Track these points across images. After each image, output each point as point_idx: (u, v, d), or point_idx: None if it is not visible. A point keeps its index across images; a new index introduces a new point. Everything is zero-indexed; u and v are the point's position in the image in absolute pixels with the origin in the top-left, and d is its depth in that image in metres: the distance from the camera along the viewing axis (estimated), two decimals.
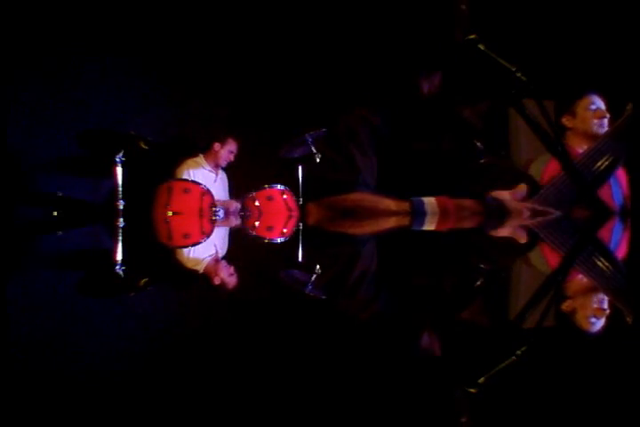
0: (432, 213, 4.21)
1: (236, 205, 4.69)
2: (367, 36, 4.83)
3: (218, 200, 4.46)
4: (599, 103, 4.33)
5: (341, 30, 4.87)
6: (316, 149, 4.64)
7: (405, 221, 3.92)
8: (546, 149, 4.30)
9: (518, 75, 4.08)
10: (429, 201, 4.25)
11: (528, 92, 4.20)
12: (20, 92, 4.58)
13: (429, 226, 3.70)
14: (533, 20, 4.35)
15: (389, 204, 4.34)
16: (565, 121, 4.38)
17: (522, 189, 4.23)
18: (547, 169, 4.37)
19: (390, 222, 3.85)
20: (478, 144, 4.44)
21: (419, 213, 4.22)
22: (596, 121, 4.29)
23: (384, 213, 4.30)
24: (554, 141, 4.22)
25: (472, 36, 4.06)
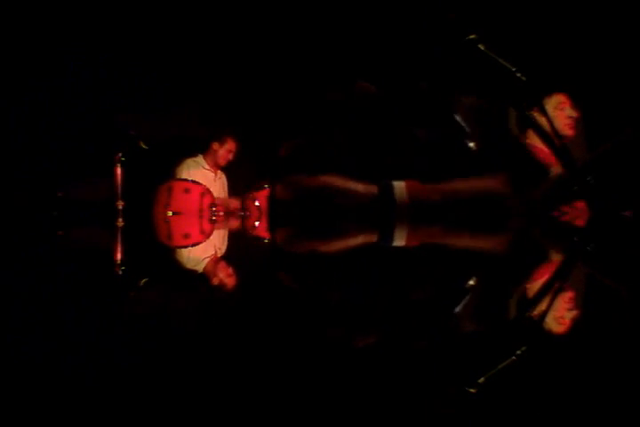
0: (400, 210, 4.10)
1: (235, 204, 4.68)
2: (366, 37, 4.83)
3: (217, 198, 4.46)
4: (569, 103, 4.22)
5: (341, 31, 4.87)
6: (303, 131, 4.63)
7: (373, 238, 3.88)
8: (548, 149, 4.28)
9: (518, 75, 4.07)
10: (398, 185, 4.16)
11: (528, 92, 4.19)
12: (20, 92, 4.58)
13: (399, 241, 3.56)
14: (533, 20, 4.35)
15: (357, 186, 4.28)
16: (536, 116, 4.24)
17: None
18: None
19: (358, 240, 3.81)
20: (471, 144, 4.40)
21: (385, 199, 4.10)
22: (564, 121, 4.20)
23: (349, 204, 4.23)
24: (555, 141, 4.21)
25: (472, 36, 4.05)
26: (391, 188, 4.20)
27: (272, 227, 4.29)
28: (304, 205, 4.34)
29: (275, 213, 4.38)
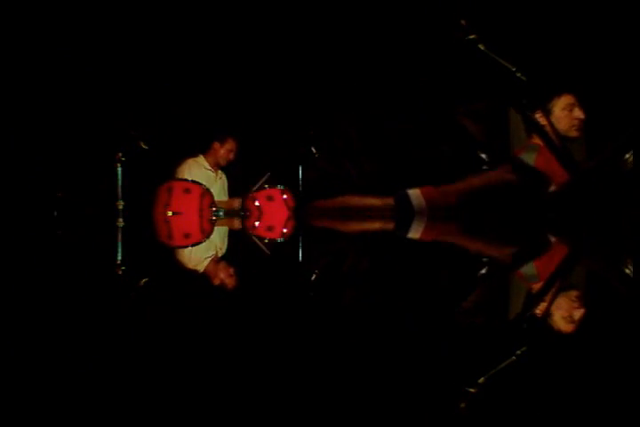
0: (419, 213, 4.24)
1: (238, 203, 4.72)
2: (366, 37, 4.83)
3: (219, 201, 4.48)
4: (577, 104, 4.20)
5: (342, 31, 4.87)
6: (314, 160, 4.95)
7: (390, 225, 3.97)
8: (548, 149, 4.28)
9: (518, 75, 4.07)
10: (414, 192, 4.30)
11: (528, 92, 4.19)
12: (20, 91, 4.58)
13: (414, 233, 3.69)
14: (533, 21, 4.35)
15: (373, 201, 4.50)
16: (539, 117, 4.22)
17: None
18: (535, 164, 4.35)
19: (375, 225, 3.90)
20: (482, 155, 4.46)
21: (403, 208, 4.28)
22: (571, 122, 4.18)
23: (369, 212, 4.44)
24: (555, 141, 4.21)
25: (472, 36, 4.05)
26: (407, 197, 4.36)
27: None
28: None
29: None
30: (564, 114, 4.16)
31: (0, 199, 4.35)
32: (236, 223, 4.35)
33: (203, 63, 5.11)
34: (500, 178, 4.14)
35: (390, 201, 4.46)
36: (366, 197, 4.55)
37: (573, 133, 4.18)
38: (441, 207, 4.22)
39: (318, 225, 3.61)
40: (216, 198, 4.46)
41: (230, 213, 4.63)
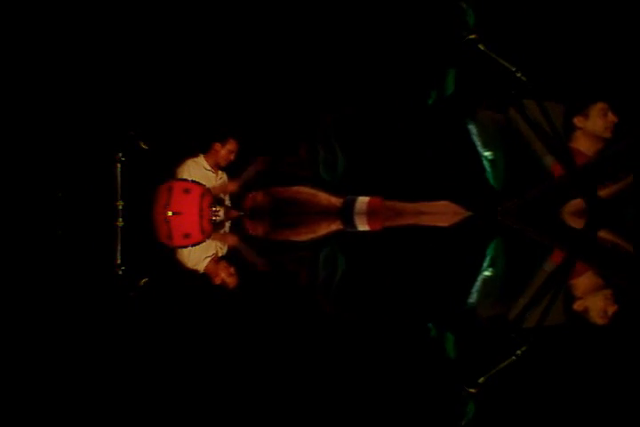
0: (359, 213, 4.42)
1: (234, 186, 4.79)
2: (365, 37, 4.84)
3: (214, 187, 4.52)
4: (610, 109, 4.38)
5: (340, 31, 4.87)
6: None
7: (338, 224, 4.06)
8: (546, 149, 4.30)
9: (518, 75, 4.09)
10: (362, 200, 4.48)
11: (528, 92, 4.20)
12: (20, 91, 4.58)
13: (362, 226, 3.86)
14: (533, 21, 4.35)
15: (323, 198, 4.62)
16: (577, 121, 4.41)
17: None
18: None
19: (323, 227, 3.94)
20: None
21: (346, 211, 4.44)
22: (607, 126, 4.35)
23: (314, 211, 4.54)
24: (554, 142, 4.22)
25: (472, 36, 4.06)
26: (353, 202, 4.56)
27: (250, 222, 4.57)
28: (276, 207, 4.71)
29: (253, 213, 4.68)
30: (600, 118, 4.35)
31: (0, 199, 4.35)
32: (230, 237, 4.31)
33: (203, 63, 5.10)
34: (451, 210, 4.31)
35: (337, 203, 4.58)
36: (318, 191, 4.63)
37: (607, 134, 4.36)
38: (380, 218, 4.39)
39: (273, 238, 3.58)
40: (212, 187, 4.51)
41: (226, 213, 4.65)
